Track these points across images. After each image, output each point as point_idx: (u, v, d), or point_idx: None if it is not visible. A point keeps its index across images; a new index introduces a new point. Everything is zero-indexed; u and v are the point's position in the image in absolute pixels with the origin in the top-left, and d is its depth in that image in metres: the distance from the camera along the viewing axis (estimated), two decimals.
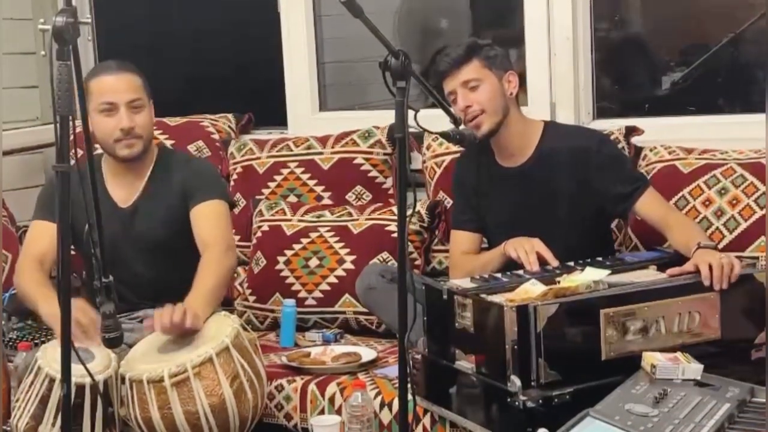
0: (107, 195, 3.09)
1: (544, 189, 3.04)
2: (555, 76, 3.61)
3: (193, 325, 2.74)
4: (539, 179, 3.05)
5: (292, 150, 3.79)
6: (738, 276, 2.59)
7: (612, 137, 3.33)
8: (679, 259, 2.77)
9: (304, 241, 3.54)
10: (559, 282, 2.61)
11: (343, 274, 3.44)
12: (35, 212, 3.14)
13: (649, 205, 2.95)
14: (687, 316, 2.53)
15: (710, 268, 2.58)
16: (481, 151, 3.11)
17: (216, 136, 3.98)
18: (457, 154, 3.35)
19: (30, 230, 3.14)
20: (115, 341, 2.52)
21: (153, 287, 3.06)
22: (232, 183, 3.81)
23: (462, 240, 3.20)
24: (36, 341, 3.16)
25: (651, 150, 3.34)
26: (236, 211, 3.61)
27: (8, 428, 2.69)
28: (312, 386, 2.95)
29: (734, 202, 3.08)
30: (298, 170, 3.75)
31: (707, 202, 3.11)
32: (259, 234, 3.64)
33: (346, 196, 3.70)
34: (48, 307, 2.81)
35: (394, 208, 3.48)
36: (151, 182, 3.13)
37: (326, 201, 3.71)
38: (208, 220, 3.05)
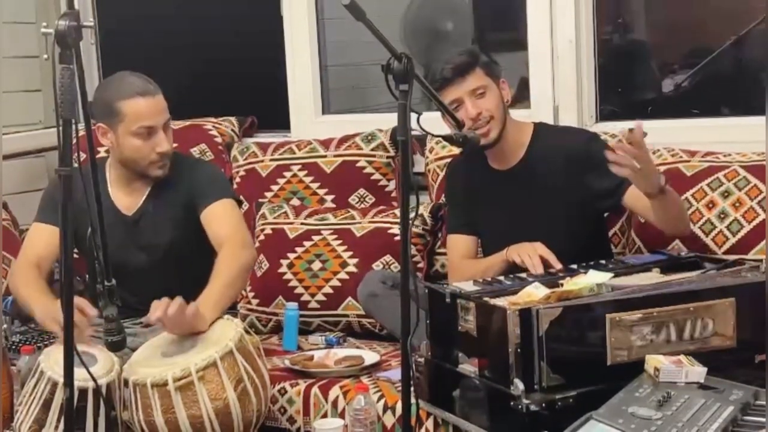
0: (110, 203, 3.07)
1: (536, 189, 3.05)
2: (558, 79, 3.61)
3: (194, 319, 2.70)
4: (531, 180, 3.05)
5: (295, 153, 3.79)
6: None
7: (615, 140, 3.33)
8: (680, 261, 2.76)
9: (307, 244, 3.54)
10: (562, 285, 2.60)
11: (346, 277, 3.44)
12: (37, 214, 3.13)
13: (636, 196, 2.91)
14: (699, 322, 2.47)
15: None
16: (473, 156, 3.11)
17: (219, 140, 3.99)
18: (459, 157, 3.35)
19: (29, 232, 3.14)
20: (117, 344, 2.53)
21: (159, 295, 3.04)
22: (235, 186, 3.80)
23: (459, 244, 3.21)
24: (39, 345, 3.16)
25: (654, 153, 3.32)
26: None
27: None
28: (315, 390, 2.94)
29: (737, 204, 3.07)
30: (301, 173, 3.76)
31: (710, 205, 3.10)
32: (261, 237, 3.64)
33: (349, 199, 3.70)
34: (43, 309, 2.80)
35: (397, 211, 3.48)
36: (156, 189, 3.12)
37: (329, 204, 3.71)
38: (220, 218, 3.04)
